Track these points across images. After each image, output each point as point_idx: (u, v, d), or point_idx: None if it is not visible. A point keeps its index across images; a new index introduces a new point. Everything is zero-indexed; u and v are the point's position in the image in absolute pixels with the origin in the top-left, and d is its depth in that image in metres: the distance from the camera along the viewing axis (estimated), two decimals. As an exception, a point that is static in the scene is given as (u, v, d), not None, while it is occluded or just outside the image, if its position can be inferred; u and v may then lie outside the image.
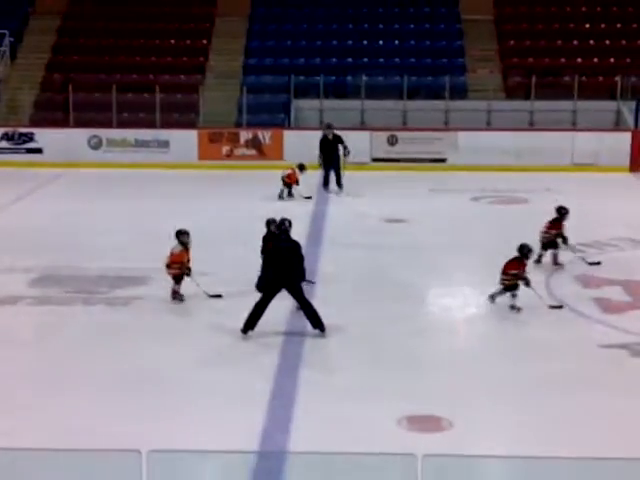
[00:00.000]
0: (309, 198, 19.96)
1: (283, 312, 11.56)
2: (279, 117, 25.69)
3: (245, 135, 24.76)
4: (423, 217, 18.30)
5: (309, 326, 11.06)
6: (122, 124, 25.17)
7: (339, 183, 20.93)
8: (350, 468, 6.29)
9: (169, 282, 12.40)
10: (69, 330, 11.56)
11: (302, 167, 20.01)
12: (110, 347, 10.79)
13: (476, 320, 12.22)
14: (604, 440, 8.29)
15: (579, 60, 27.09)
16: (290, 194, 19.89)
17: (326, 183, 21.02)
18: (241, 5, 29.05)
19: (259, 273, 11.43)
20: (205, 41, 28.26)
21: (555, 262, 14.16)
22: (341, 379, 9.90)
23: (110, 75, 26.46)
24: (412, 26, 28.53)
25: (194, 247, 12.46)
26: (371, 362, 10.34)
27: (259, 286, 11.19)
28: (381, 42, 28.10)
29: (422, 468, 5.95)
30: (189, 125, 25.46)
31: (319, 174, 21.12)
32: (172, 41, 28.28)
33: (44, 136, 24.71)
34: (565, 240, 14.09)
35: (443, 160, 24.46)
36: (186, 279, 12.29)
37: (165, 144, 24.62)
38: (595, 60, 27.16)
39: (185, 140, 24.66)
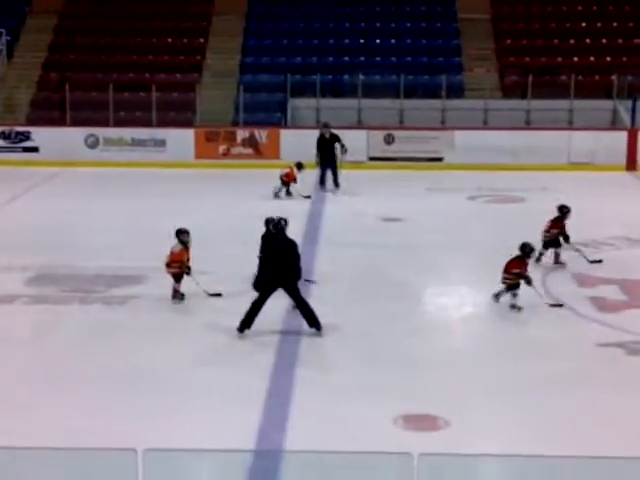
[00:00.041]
0: (308, 197, 19.94)
1: (279, 311, 11.55)
2: (276, 116, 25.70)
3: (242, 134, 24.77)
4: (420, 216, 18.29)
5: (305, 325, 11.06)
6: (119, 123, 25.17)
7: (336, 182, 20.94)
8: (346, 467, 6.28)
9: (166, 281, 12.38)
10: (66, 329, 11.55)
11: (300, 166, 19.99)
12: (107, 346, 10.79)
13: (472, 319, 12.22)
14: (603, 439, 8.28)
15: (576, 59, 27.14)
16: (288, 192, 19.88)
17: (322, 182, 21.03)
18: (238, 4, 29.09)
19: (256, 272, 11.42)
20: (202, 40, 28.26)
21: (557, 261, 14.15)
22: (337, 378, 9.89)
23: (107, 74, 26.45)
24: (409, 25, 28.56)
25: (193, 246, 12.45)
26: (367, 361, 10.33)
27: (256, 285, 11.19)
28: (378, 41, 28.12)
29: (418, 467, 5.95)
30: (186, 124, 25.46)
31: (316, 173, 21.12)
32: (169, 40, 28.29)
33: (41, 135, 24.71)
34: (567, 239, 14.09)
35: (440, 159, 24.46)
36: (186, 278, 12.28)
37: (162, 143, 24.63)
38: (592, 59, 27.19)
39: (182, 139, 24.66)
